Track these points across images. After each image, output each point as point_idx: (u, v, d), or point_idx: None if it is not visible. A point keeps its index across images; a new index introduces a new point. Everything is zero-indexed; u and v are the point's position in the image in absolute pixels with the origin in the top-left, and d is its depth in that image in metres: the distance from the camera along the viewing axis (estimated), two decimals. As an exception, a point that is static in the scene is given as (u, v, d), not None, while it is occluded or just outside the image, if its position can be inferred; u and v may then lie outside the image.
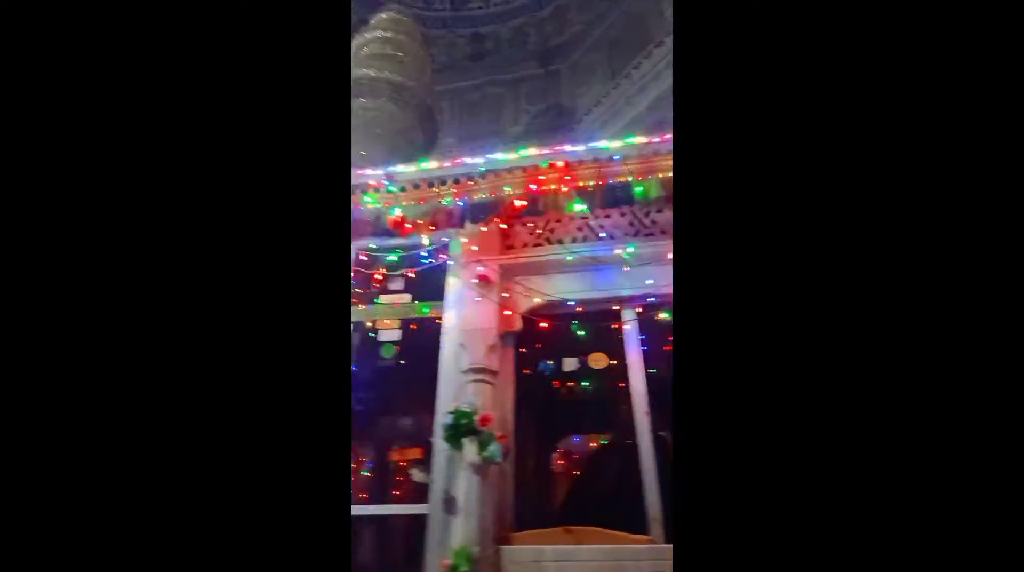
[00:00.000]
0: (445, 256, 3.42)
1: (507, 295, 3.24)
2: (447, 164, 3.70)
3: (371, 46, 7.28)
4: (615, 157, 3.31)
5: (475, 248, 3.37)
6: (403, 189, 3.64)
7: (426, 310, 3.44)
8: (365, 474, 3.66)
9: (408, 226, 3.48)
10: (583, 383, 3.42)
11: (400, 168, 3.74)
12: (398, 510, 2.91)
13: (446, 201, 3.59)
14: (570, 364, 3.32)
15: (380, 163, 4.56)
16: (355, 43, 7.53)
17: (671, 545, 1.87)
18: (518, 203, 3.33)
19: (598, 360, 3.26)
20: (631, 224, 3.36)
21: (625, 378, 3.08)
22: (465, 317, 3.17)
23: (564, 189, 3.33)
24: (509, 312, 3.20)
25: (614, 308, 3.26)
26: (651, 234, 3.29)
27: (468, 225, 3.42)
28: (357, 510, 3.09)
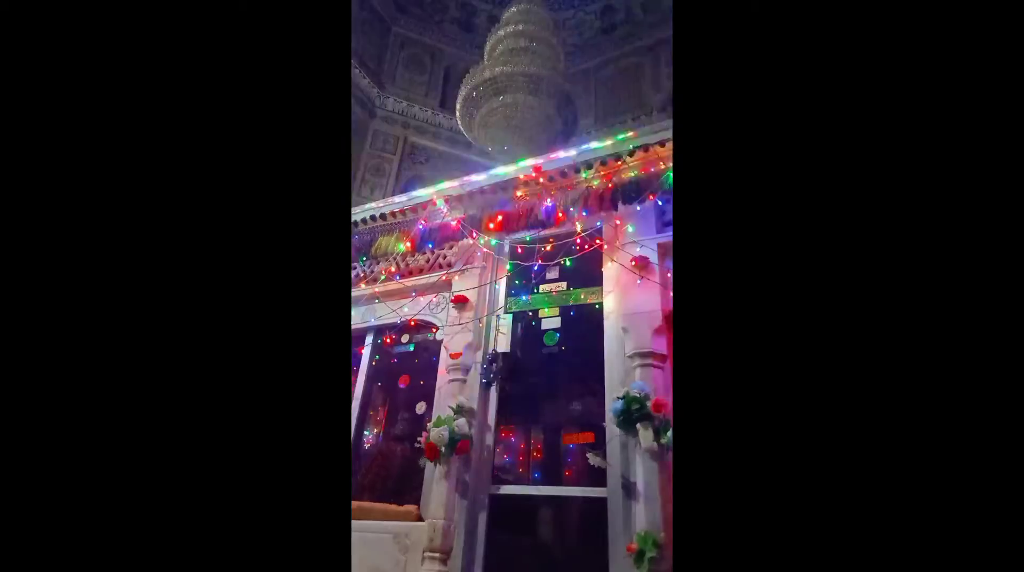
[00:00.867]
0: (600, 241, 3.38)
1: (671, 274, 3.11)
2: (589, 147, 3.66)
3: (504, 43, 7.47)
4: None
5: (631, 229, 3.28)
6: (552, 178, 3.69)
7: (583, 297, 3.45)
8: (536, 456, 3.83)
9: (560, 214, 3.51)
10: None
11: (544, 158, 3.79)
12: (576, 492, 2.99)
13: (595, 184, 3.55)
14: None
15: (525, 155, 4.67)
16: (489, 43, 7.79)
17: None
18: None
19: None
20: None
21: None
22: (625, 301, 3.12)
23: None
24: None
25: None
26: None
27: (621, 206, 3.34)
28: (534, 490, 3.26)
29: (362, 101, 10.24)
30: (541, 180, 3.69)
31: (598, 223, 3.45)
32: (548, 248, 3.48)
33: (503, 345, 3.46)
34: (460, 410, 3.19)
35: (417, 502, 3.25)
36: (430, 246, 4.10)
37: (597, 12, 10.97)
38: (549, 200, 3.58)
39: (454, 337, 3.58)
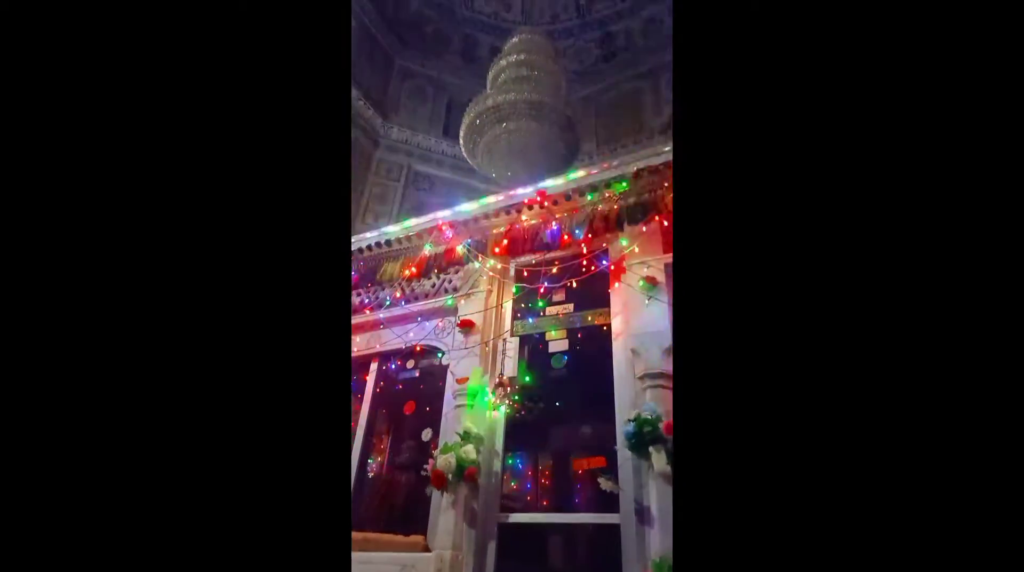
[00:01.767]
0: (606, 262, 3.38)
1: (677, 295, 3.08)
2: (594, 171, 3.68)
3: (507, 72, 7.62)
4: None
5: (636, 249, 3.28)
6: (556, 202, 3.71)
7: (590, 318, 3.42)
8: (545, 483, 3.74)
9: (565, 237, 3.52)
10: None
11: (549, 182, 3.82)
12: (588, 519, 2.91)
13: (599, 207, 3.56)
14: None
15: (528, 180, 4.71)
16: (492, 72, 7.95)
17: None
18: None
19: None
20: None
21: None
22: (633, 322, 3.09)
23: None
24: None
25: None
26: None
27: (627, 227, 3.34)
28: (544, 518, 3.17)
29: (366, 130, 10.43)
30: (546, 204, 3.71)
31: (603, 245, 3.45)
32: (554, 270, 3.48)
33: (510, 369, 3.42)
34: (467, 436, 3.14)
35: (424, 532, 3.16)
36: (435, 271, 4.11)
37: (596, 40, 11.22)
38: (554, 223, 3.58)
39: (460, 362, 3.55)
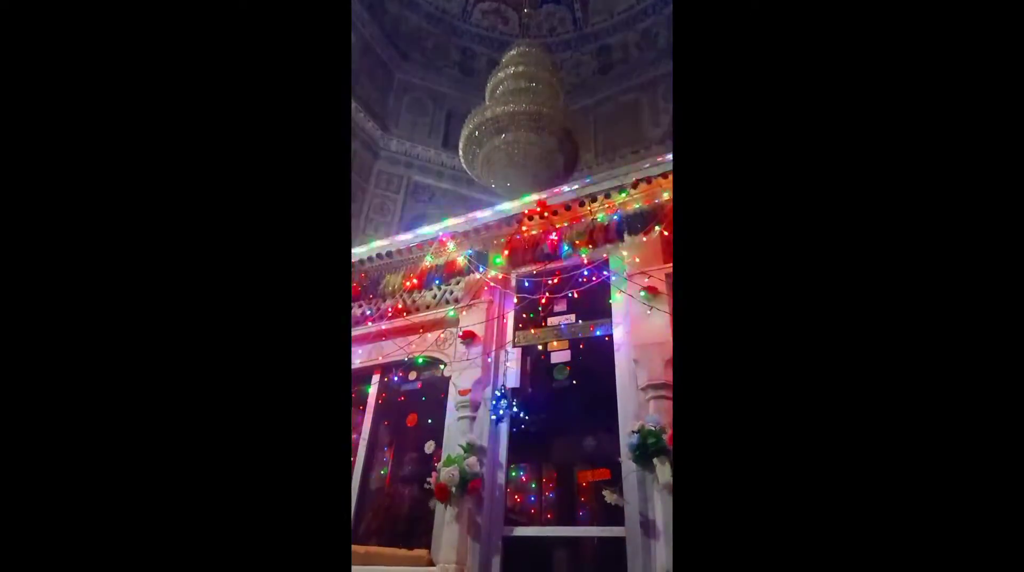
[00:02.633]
0: (607, 272, 3.38)
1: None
2: (591, 180, 3.70)
3: (505, 83, 7.68)
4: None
5: (637, 260, 3.28)
6: (556, 213, 3.72)
7: (592, 329, 3.42)
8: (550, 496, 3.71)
9: (566, 248, 3.52)
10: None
11: (548, 193, 3.84)
12: (593, 532, 2.88)
13: (600, 217, 3.58)
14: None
15: (527, 191, 4.73)
16: (490, 84, 8.02)
17: None
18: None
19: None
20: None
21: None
22: (636, 332, 3.08)
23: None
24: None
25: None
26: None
27: (627, 237, 3.35)
28: (548, 531, 3.14)
29: (366, 143, 10.49)
30: (545, 214, 3.72)
31: (603, 255, 3.46)
32: (555, 281, 3.48)
33: (512, 380, 3.41)
34: (470, 448, 3.12)
35: (428, 546, 3.13)
36: (437, 283, 4.11)
37: (594, 52, 11.33)
38: (554, 234, 3.59)
39: (462, 373, 3.54)
